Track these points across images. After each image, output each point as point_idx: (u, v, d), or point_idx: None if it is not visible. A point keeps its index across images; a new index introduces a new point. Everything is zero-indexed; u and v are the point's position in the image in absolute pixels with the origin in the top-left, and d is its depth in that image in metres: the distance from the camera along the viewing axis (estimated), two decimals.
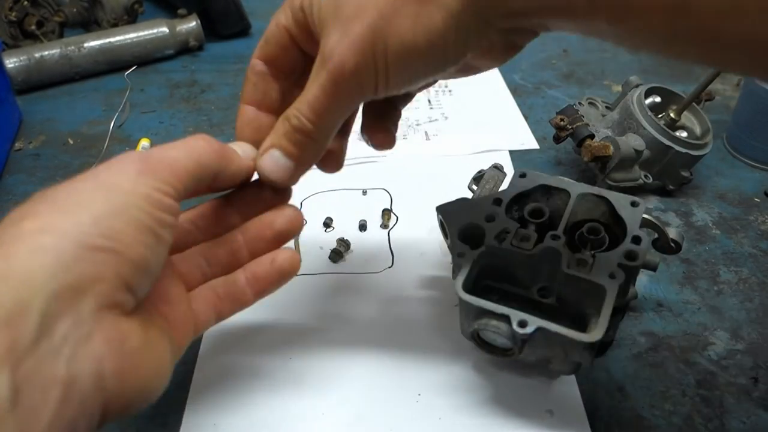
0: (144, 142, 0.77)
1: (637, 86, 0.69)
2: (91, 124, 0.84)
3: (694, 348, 0.53)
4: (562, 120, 0.68)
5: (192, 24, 0.98)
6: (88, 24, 1.02)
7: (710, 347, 0.53)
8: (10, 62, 0.88)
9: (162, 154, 0.34)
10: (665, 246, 0.50)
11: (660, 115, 0.67)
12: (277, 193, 0.42)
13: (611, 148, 0.64)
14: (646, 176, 0.66)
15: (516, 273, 0.47)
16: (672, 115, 0.67)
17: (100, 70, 0.95)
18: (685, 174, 0.67)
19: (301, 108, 0.35)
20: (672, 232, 0.49)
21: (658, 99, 0.70)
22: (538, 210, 0.48)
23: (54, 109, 0.88)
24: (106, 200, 0.30)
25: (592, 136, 0.66)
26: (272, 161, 0.38)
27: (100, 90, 0.92)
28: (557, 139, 0.69)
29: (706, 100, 0.71)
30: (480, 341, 0.45)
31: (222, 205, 0.42)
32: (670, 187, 0.68)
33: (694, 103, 0.68)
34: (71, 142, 0.81)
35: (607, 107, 0.73)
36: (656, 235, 0.49)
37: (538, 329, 0.40)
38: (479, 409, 0.48)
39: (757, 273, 0.60)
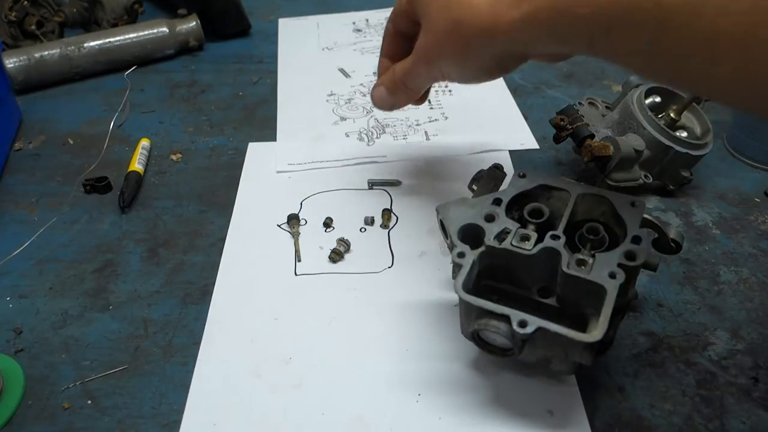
0: (144, 142, 0.77)
1: (637, 86, 0.69)
2: (91, 124, 0.84)
3: (694, 348, 0.53)
4: (562, 120, 0.68)
5: (192, 24, 0.98)
6: (88, 24, 1.02)
7: (710, 347, 0.53)
8: (10, 62, 0.88)
9: None
10: (665, 246, 0.50)
11: (660, 115, 0.67)
12: None
13: (611, 148, 0.64)
14: (646, 176, 0.66)
15: (516, 273, 0.47)
16: (672, 115, 0.67)
17: (100, 70, 0.95)
18: (685, 174, 0.67)
19: (398, 69, 0.55)
20: (672, 232, 0.49)
21: (658, 99, 0.69)
22: (537, 210, 0.48)
23: (54, 109, 0.88)
24: None
25: (592, 136, 0.66)
26: (378, 93, 0.58)
27: (100, 90, 0.92)
28: (557, 139, 0.69)
29: (706, 100, 0.71)
30: (480, 341, 0.45)
31: None
32: (670, 187, 0.68)
33: (694, 103, 0.68)
34: (71, 142, 0.81)
35: (607, 107, 0.73)
36: (656, 235, 0.49)
37: (538, 329, 0.40)
38: (479, 409, 0.48)
39: (757, 273, 0.60)
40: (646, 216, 0.48)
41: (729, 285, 0.58)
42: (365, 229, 0.65)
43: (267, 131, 0.82)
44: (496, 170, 0.56)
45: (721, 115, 0.81)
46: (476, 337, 0.45)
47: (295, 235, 0.65)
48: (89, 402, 0.50)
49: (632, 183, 0.66)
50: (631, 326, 0.54)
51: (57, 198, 0.72)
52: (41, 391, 0.51)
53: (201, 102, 0.89)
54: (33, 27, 0.96)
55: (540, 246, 0.45)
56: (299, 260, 0.62)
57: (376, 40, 1.02)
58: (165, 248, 0.65)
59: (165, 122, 0.84)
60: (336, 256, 0.61)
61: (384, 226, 0.65)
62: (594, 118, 0.70)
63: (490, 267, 0.47)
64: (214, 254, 0.63)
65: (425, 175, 0.72)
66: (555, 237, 0.45)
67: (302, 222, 0.66)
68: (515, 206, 0.50)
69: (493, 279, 0.48)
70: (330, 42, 1.02)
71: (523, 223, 0.48)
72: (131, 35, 0.95)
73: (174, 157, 0.78)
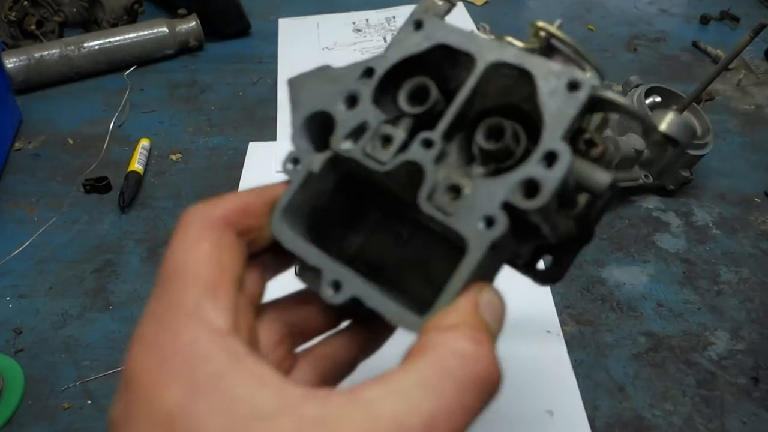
0: (144, 142, 0.77)
1: (637, 86, 0.69)
2: (91, 124, 0.84)
3: (694, 348, 0.53)
4: None
5: (192, 24, 0.98)
6: (88, 24, 1.02)
7: (710, 347, 0.53)
8: (10, 62, 0.88)
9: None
10: (659, 145, 0.31)
11: None
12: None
13: (611, 148, 0.64)
14: (646, 176, 0.66)
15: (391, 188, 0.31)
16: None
17: (100, 70, 0.95)
18: (685, 174, 0.67)
19: None
20: (664, 123, 0.32)
21: (658, 99, 0.69)
22: (420, 89, 0.29)
23: (54, 109, 0.88)
24: None
25: None
26: None
27: (100, 90, 0.92)
28: None
29: (706, 100, 0.71)
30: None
31: None
32: (670, 187, 0.68)
33: (694, 103, 0.68)
34: (71, 142, 0.81)
35: None
36: (599, 149, 0.29)
37: (354, 299, 0.28)
38: None
39: (757, 273, 0.60)
40: (607, 94, 0.27)
41: (729, 285, 0.58)
42: None
43: (267, 131, 0.81)
44: None
45: (721, 115, 0.81)
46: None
47: None
48: (89, 402, 0.50)
49: (632, 183, 0.66)
50: (631, 326, 0.54)
51: (57, 198, 0.72)
52: (41, 391, 0.51)
53: (201, 102, 0.88)
54: (33, 27, 0.96)
55: (400, 158, 0.28)
56: None
57: (376, 40, 1.02)
58: (165, 248, 0.64)
59: (165, 122, 0.84)
60: None
61: None
62: None
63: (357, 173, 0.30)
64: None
65: None
66: (427, 143, 0.28)
67: None
68: (404, 80, 0.30)
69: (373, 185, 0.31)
70: (330, 42, 1.02)
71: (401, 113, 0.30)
72: (131, 35, 0.95)
73: (174, 157, 0.78)
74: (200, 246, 0.27)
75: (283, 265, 0.31)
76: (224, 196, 0.28)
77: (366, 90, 0.29)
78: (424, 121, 0.29)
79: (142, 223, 0.68)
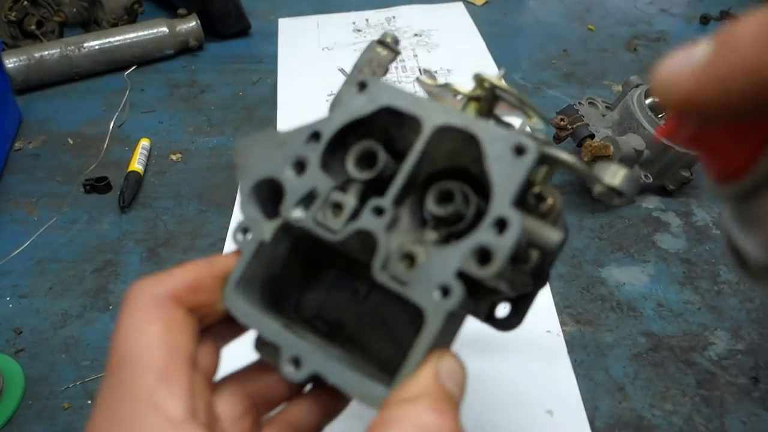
0: (144, 142, 0.77)
1: (637, 86, 0.69)
2: (91, 124, 0.84)
3: (694, 348, 0.53)
4: (562, 120, 0.68)
5: (192, 24, 0.98)
6: (88, 24, 1.02)
7: (710, 347, 0.53)
8: (10, 62, 0.88)
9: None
10: (604, 196, 0.29)
11: (660, 115, 0.67)
12: None
13: (611, 148, 0.64)
14: (646, 176, 0.66)
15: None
16: None
17: (100, 70, 0.95)
18: (685, 174, 0.67)
19: None
20: (607, 174, 0.28)
21: (658, 99, 0.69)
22: (368, 153, 0.29)
23: (54, 109, 0.88)
24: None
25: (592, 136, 0.66)
26: None
27: (99, 90, 0.92)
28: (557, 139, 0.69)
29: None
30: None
31: None
32: (670, 187, 0.68)
33: None
34: (71, 142, 0.81)
35: (607, 107, 0.73)
36: (546, 204, 0.29)
37: (315, 377, 0.27)
38: (480, 409, 0.48)
39: None
40: (550, 152, 0.27)
41: (729, 285, 0.58)
42: None
43: None
44: (381, 47, 0.33)
45: None
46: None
47: None
48: (89, 402, 0.50)
49: None
50: (631, 326, 0.54)
51: (57, 198, 0.72)
52: (41, 391, 0.51)
53: (201, 102, 0.88)
54: (33, 27, 0.96)
55: (352, 227, 0.27)
56: None
57: None
58: (165, 248, 0.65)
59: (165, 122, 0.84)
60: None
61: None
62: (594, 118, 0.70)
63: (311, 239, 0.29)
64: (214, 254, 0.63)
65: None
66: (378, 210, 0.27)
67: None
68: (352, 140, 0.30)
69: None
70: (330, 42, 1.02)
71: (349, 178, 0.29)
72: (131, 35, 0.95)
73: (174, 157, 0.78)
74: (150, 328, 0.25)
75: (238, 332, 0.31)
76: (172, 271, 0.28)
77: (313, 155, 0.29)
78: (374, 185, 0.28)
79: (142, 223, 0.68)
